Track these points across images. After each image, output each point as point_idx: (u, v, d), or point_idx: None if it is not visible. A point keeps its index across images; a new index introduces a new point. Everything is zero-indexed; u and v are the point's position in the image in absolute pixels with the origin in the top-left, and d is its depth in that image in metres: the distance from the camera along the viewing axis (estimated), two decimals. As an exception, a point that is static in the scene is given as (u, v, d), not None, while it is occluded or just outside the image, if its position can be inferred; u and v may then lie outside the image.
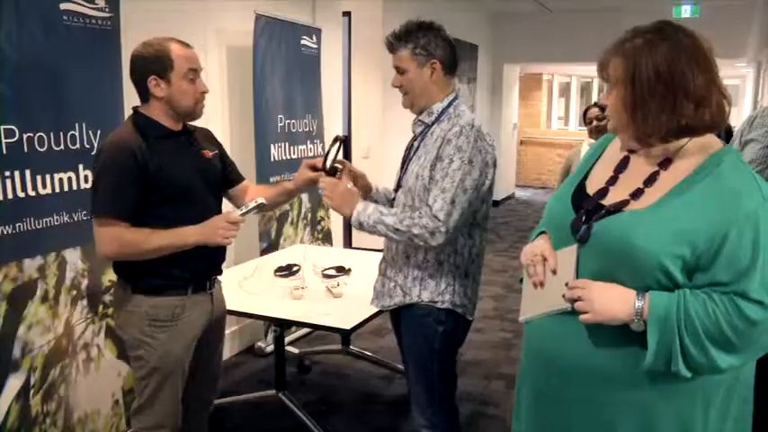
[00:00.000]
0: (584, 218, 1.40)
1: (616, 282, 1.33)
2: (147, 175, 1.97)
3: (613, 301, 1.31)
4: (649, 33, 1.32)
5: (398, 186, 2.14)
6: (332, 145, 2.14)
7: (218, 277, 2.30)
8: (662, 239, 1.27)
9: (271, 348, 3.78)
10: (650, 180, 1.36)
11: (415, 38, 2.06)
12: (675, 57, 1.28)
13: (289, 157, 4.16)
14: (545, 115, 13.60)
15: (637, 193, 1.36)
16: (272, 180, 3.96)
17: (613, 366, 1.36)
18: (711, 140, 1.35)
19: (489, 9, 9.06)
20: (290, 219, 4.21)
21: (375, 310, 2.53)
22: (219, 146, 2.31)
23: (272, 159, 3.99)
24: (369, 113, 6.01)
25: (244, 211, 2.11)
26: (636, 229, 1.30)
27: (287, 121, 4.13)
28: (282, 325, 3.08)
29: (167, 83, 2.02)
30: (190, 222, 2.05)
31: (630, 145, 1.40)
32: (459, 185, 1.91)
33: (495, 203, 9.86)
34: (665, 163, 1.36)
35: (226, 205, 2.33)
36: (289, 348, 3.83)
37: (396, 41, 2.09)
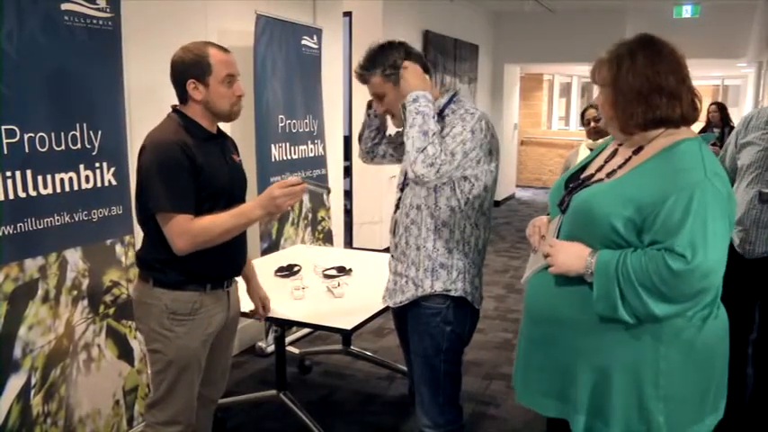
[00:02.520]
0: (567, 194, 1.71)
1: (583, 242, 1.61)
2: (196, 169, 2.03)
3: (572, 256, 1.60)
4: (632, 44, 1.60)
5: (405, 184, 2.16)
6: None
7: (236, 278, 2.33)
8: (614, 204, 1.54)
9: (272, 348, 3.79)
10: (624, 163, 1.63)
11: (382, 60, 2.06)
12: (651, 61, 1.56)
13: (290, 158, 4.16)
14: (545, 115, 13.59)
15: (611, 173, 1.64)
16: (272, 180, 3.96)
17: (574, 313, 1.64)
18: (682, 132, 1.60)
19: (490, 9, 9.06)
20: (290, 219, 4.22)
21: (376, 310, 2.54)
22: (240, 157, 2.36)
23: (272, 159, 3.99)
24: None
25: (307, 179, 2.12)
26: (596, 197, 1.59)
27: (288, 122, 4.13)
28: (283, 325, 3.08)
29: (205, 86, 2.08)
30: None
31: (617, 136, 1.69)
32: (457, 145, 1.95)
33: (496, 204, 9.86)
34: (638, 150, 1.62)
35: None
36: (289, 348, 3.83)
37: (365, 71, 2.09)
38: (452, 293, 2.08)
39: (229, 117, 2.16)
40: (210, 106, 2.10)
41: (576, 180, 1.76)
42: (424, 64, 2.10)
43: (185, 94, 2.10)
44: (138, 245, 2.26)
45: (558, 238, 1.69)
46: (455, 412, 2.20)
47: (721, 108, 7.72)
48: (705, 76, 14.69)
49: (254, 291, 2.50)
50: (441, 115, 2.06)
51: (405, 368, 3.57)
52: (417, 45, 6.92)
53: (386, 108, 2.13)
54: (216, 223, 2.01)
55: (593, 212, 1.57)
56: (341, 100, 5.18)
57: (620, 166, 1.63)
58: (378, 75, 2.07)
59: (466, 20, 8.25)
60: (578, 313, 1.63)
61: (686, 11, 8.04)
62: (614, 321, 1.55)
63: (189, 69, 2.07)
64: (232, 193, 2.20)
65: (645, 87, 1.55)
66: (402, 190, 2.19)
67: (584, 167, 1.80)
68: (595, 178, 1.69)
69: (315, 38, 4.36)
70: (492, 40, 9.50)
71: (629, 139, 1.64)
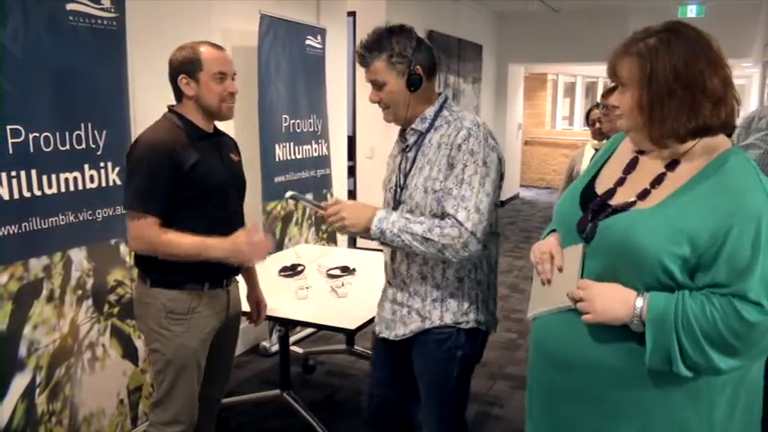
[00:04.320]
0: (590, 217, 1.41)
1: (619, 280, 1.33)
2: (181, 172, 2.04)
3: (614, 301, 1.32)
4: (663, 33, 1.30)
5: (397, 203, 1.94)
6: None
7: (237, 277, 2.34)
8: (663, 238, 1.26)
9: (275, 348, 3.79)
10: (657, 181, 1.36)
11: (389, 45, 1.84)
12: (693, 56, 1.27)
13: (294, 157, 4.16)
14: (550, 115, 13.56)
15: (643, 194, 1.36)
16: (276, 180, 3.96)
17: (615, 363, 1.36)
18: (719, 141, 1.34)
19: (494, 9, 9.05)
20: (294, 219, 4.22)
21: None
22: (240, 156, 2.36)
23: (276, 159, 3.99)
24: (373, 113, 6.00)
25: (301, 198, 1.96)
26: (638, 227, 1.30)
27: (291, 121, 4.13)
28: (287, 325, 3.08)
29: (196, 82, 2.11)
30: (216, 225, 2.10)
31: (644, 146, 1.39)
32: (479, 191, 1.76)
33: (501, 204, 9.85)
34: (673, 164, 1.35)
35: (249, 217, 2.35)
36: (293, 348, 3.83)
37: (368, 53, 1.86)
38: (463, 326, 1.91)
39: (220, 114, 2.16)
40: (201, 101, 2.12)
41: (591, 194, 1.47)
42: (431, 60, 1.90)
43: (179, 91, 2.13)
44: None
45: (583, 272, 1.40)
46: (461, 430, 2.08)
47: None
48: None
49: (251, 296, 2.50)
50: (432, 126, 1.89)
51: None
52: (421, 45, 6.93)
53: (382, 99, 1.90)
54: (180, 244, 2.02)
55: (637, 248, 1.29)
56: (345, 100, 5.18)
57: (652, 185, 1.36)
58: (383, 60, 1.85)
59: (470, 20, 8.25)
60: (621, 362, 1.36)
61: (691, 11, 8.02)
62: (662, 373, 1.31)
63: (181, 65, 2.10)
64: (227, 192, 2.21)
65: (689, 89, 1.26)
66: (395, 210, 1.92)
67: (596, 174, 1.53)
68: (624, 199, 1.39)
69: (319, 38, 4.36)
70: (496, 39, 9.49)
71: (659, 149, 1.37)
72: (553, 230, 1.59)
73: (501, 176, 1.85)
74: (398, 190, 1.93)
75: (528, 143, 12.34)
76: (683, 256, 1.26)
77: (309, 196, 1.97)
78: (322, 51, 4.41)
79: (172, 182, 2.03)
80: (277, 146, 4.00)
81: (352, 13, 5.61)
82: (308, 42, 4.26)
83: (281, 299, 2.74)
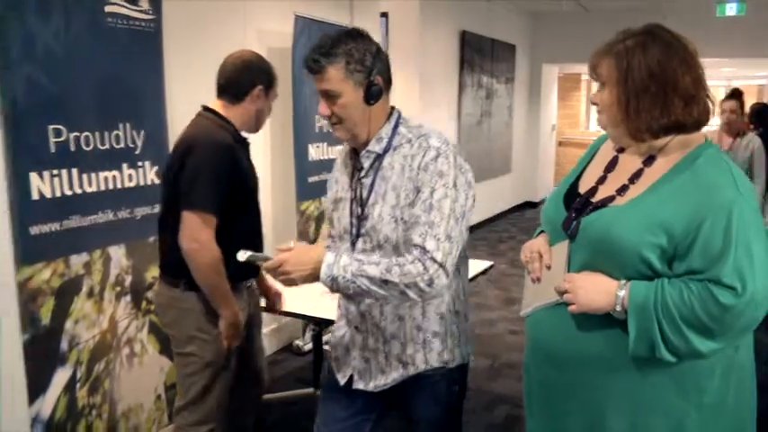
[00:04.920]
0: (573, 215, 1.49)
1: (604, 273, 1.41)
2: (238, 173, 2.09)
3: (597, 292, 1.39)
4: (640, 35, 1.41)
5: (356, 237, 1.68)
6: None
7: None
8: (640, 231, 1.34)
9: (309, 347, 3.81)
10: (635, 177, 1.44)
11: (347, 50, 1.58)
12: (666, 57, 1.37)
13: (327, 157, 4.19)
14: (584, 116, 13.41)
15: (622, 189, 1.44)
16: (309, 180, 3.99)
17: (602, 352, 1.43)
18: (694, 137, 1.42)
19: (527, 9, 8.99)
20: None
21: None
22: None
23: (310, 159, 4.02)
24: (405, 114, 6.01)
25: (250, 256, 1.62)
26: (617, 222, 1.38)
27: (324, 122, 4.15)
28: (321, 324, 3.10)
29: (266, 98, 2.18)
30: (256, 227, 2.20)
31: (623, 141, 1.48)
32: (449, 216, 1.54)
33: (534, 205, 9.78)
34: (649, 160, 1.44)
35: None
36: (327, 347, 3.85)
37: (322, 57, 1.58)
38: (450, 365, 1.74)
39: (258, 130, 2.25)
40: (260, 115, 2.19)
41: (575, 195, 1.54)
42: (389, 71, 1.67)
43: (244, 95, 2.14)
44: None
45: (569, 268, 1.47)
46: None
47: (762, 109, 7.50)
48: (750, 76, 14.33)
49: (260, 286, 2.48)
50: (390, 146, 1.65)
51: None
52: (454, 45, 6.92)
53: (334, 112, 1.62)
54: (220, 272, 2.06)
55: (617, 241, 1.37)
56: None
57: (631, 181, 1.44)
58: (339, 67, 1.57)
59: (503, 20, 8.20)
60: (607, 350, 1.43)
61: (730, 8, 7.83)
62: (648, 359, 1.37)
63: (263, 75, 2.15)
64: (256, 196, 2.26)
65: (661, 86, 1.36)
66: (354, 244, 1.69)
67: (579, 177, 1.60)
68: (604, 195, 1.46)
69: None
70: (529, 39, 9.41)
71: (637, 145, 1.45)
72: (542, 231, 1.66)
73: (473, 199, 1.64)
74: (356, 221, 1.68)
75: (562, 144, 12.20)
76: (661, 245, 1.33)
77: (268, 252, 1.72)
78: (355, 52, 4.42)
79: (231, 182, 2.05)
80: (311, 146, 4.03)
81: (384, 14, 5.62)
82: (341, 43, 4.27)
83: (315, 298, 2.75)
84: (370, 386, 1.76)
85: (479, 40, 7.38)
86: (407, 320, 1.68)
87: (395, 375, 1.72)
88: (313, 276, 1.56)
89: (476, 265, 3.43)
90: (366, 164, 1.67)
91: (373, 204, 1.64)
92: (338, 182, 1.79)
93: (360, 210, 1.67)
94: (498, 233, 8.00)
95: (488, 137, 8.12)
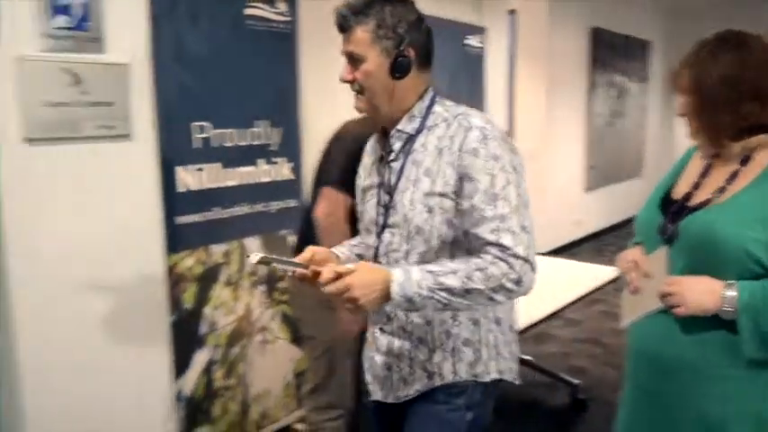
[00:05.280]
0: (670, 220, 1.49)
1: (707, 275, 1.38)
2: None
3: (703, 292, 1.37)
4: (712, 43, 1.44)
5: (384, 227, 1.51)
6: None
7: None
8: (742, 227, 1.34)
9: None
10: (732, 177, 1.43)
11: (380, 12, 1.42)
12: (738, 63, 1.38)
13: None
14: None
15: (720, 191, 1.43)
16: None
17: (705, 359, 1.41)
18: None
19: (663, 5, 8.52)
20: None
21: (548, 312, 2.37)
22: None
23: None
24: (532, 114, 5.89)
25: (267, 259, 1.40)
26: (717, 220, 1.37)
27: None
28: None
29: None
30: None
31: (706, 148, 1.50)
32: (519, 204, 1.37)
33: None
34: (745, 160, 1.44)
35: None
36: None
37: (352, 15, 1.43)
38: (482, 379, 1.51)
39: None
40: None
41: (672, 203, 1.52)
42: (427, 45, 1.50)
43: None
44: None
45: (669, 274, 1.44)
46: None
47: None
48: None
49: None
50: (424, 125, 1.49)
51: (568, 378, 3.43)
52: (585, 43, 6.68)
53: (357, 79, 1.46)
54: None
55: (721, 239, 1.35)
56: (503, 100, 5.12)
57: (728, 182, 1.43)
58: (368, 28, 1.42)
59: (637, 16, 7.83)
60: (711, 357, 1.41)
61: None
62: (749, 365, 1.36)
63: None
64: None
65: (731, 93, 1.38)
66: (380, 236, 1.52)
67: (671, 186, 1.58)
68: (701, 200, 1.45)
69: (478, 37, 4.35)
70: (665, 36, 8.92)
71: (722, 150, 1.46)
72: (636, 243, 1.64)
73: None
74: (384, 210, 1.52)
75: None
76: (762, 240, 1.32)
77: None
78: (482, 50, 4.40)
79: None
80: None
81: (512, 12, 5.53)
82: (466, 41, 4.26)
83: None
84: (390, 398, 1.59)
85: (612, 37, 7.09)
86: (436, 324, 1.49)
87: (418, 386, 1.53)
88: (383, 299, 1.34)
89: (603, 273, 3.29)
90: (396, 146, 1.50)
91: (403, 191, 1.47)
92: (366, 168, 1.63)
93: (388, 197, 1.51)
94: (625, 240, 7.61)
95: (619, 138, 7.77)
